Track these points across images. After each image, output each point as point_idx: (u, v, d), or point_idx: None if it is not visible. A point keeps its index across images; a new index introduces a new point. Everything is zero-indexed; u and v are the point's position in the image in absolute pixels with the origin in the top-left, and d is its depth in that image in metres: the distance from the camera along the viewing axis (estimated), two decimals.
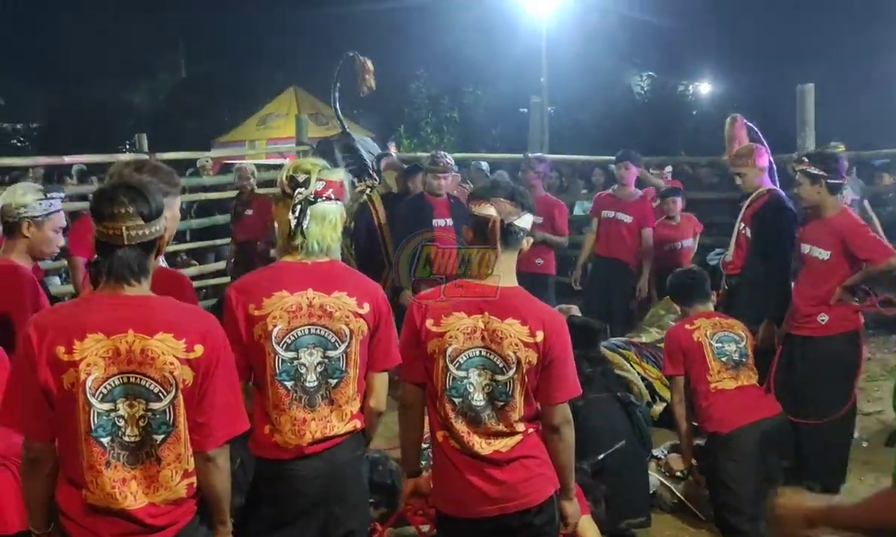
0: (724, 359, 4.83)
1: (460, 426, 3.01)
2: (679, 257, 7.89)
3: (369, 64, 8.62)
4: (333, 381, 2.98)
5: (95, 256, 2.58)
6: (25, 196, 3.81)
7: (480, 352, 3.00)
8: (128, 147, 21.89)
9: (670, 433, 5.50)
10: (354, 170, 8.06)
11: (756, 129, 6.10)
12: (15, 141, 25.88)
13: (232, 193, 9.70)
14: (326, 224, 3.00)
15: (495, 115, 22.95)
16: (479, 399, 3.00)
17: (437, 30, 23.68)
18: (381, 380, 3.11)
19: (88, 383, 2.43)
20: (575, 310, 6.03)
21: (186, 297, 3.03)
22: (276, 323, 2.90)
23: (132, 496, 2.49)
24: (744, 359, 4.89)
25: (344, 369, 2.99)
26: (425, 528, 3.68)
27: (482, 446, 3.00)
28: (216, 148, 18.45)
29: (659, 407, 6.06)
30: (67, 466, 2.51)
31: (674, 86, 23.33)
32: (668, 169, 10.75)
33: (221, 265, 10.00)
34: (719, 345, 4.87)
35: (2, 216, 3.79)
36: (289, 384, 2.93)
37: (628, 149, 8.17)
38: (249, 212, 8.92)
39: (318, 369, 2.96)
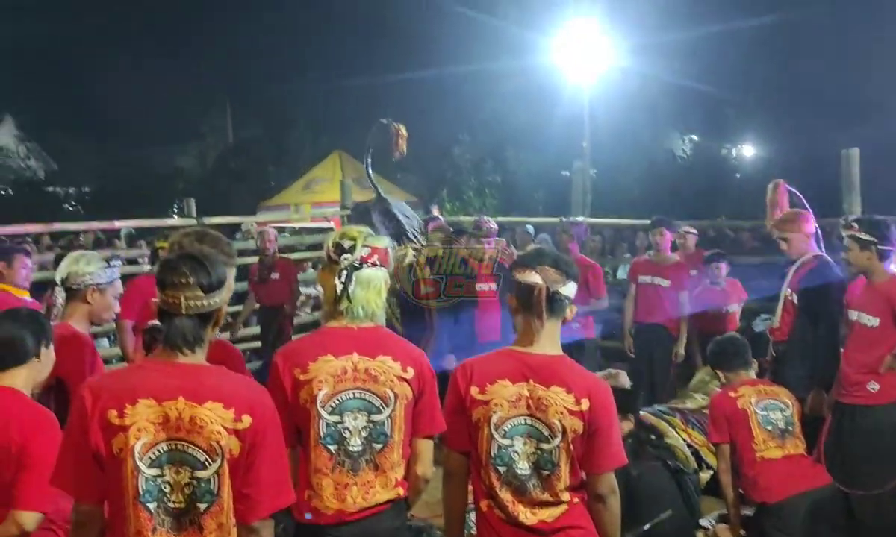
0: (769, 428, 4.76)
1: (505, 495, 2.98)
2: (724, 322, 7.81)
3: (403, 130, 8.77)
4: (378, 446, 2.98)
5: (150, 322, 2.64)
6: (90, 264, 3.91)
7: (525, 420, 2.99)
8: (176, 211, 22.33)
9: (718, 502, 5.39)
10: (393, 233, 8.12)
11: (799, 194, 6.06)
12: (67, 205, 26.49)
13: (252, 259, 9.69)
14: (371, 289, 3.05)
15: (538, 178, 23.07)
16: (524, 468, 2.98)
17: (480, 95, 23.96)
18: (426, 446, 3.11)
19: (137, 448, 2.46)
20: (623, 376, 5.97)
21: (237, 367, 3.07)
22: (322, 386, 2.93)
23: None
24: (790, 428, 4.82)
25: (389, 434, 2.99)
26: None
27: (527, 516, 2.97)
28: (262, 211, 18.74)
29: (706, 475, 5.96)
30: (115, 531, 2.53)
31: (716, 149, 23.32)
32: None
33: (256, 329, 9.94)
34: (764, 413, 4.80)
35: (66, 283, 3.87)
36: (332, 448, 2.94)
37: (662, 216, 8.19)
38: (276, 275, 8.94)
39: (363, 433, 2.97)
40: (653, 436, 5.17)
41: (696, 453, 6.10)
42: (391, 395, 2.99)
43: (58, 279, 3.95)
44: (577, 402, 2.95)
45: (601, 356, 9.58)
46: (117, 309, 4.10)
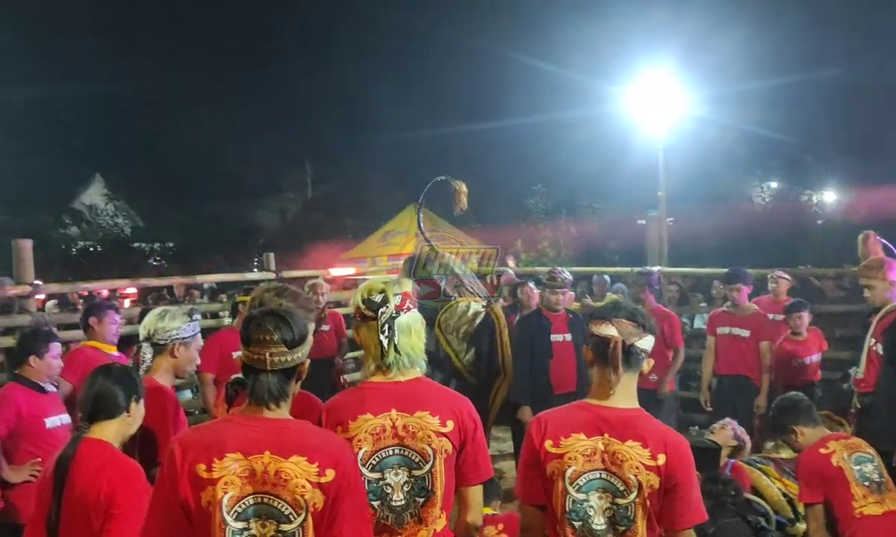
0: (866, 483, 4.59)
1: None
2: (806, 372, 7.65)
3: (463, 186, 9.04)
4: (421, 500, 3.02)
5: (233, 376, 2.71)
6: (175, 320, 4.03)
7: (601, 474, 2.96)
8: (256, 265, 22.80)
9: None
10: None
11: (892, 246, 5.92)
12: (152, 260, 27.28)
13: None
14: (413, 335, 3.10)
15: (612, 228, 22.92)
16: (599, 523, 2.95)
17: (553, 146, 24.08)
18: (474, 494, 3.13)
19: (225, 501, 2.52)
20: (731, 428, 5.81)
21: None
22: (362, 445, 2.98)
23: None
24: (883, 480, 4.65)
25: (430, 489, 3.02)
26: None
27: None
28: (339, 265, 18.99)
29: (802, 526, 5.77)
30: None
31: (796, 195, 22.88)
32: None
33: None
34: (858, 467, 4.63)
35: (152, 339, 4.00)
36: (375, 504, 2.98)
37: (737, 269, 8.08)
38: (326, 327, 8.99)
39: (405, 488, 3.01)
40: (732, 492, 5.02)
41: (791, 502, 5.93)
42: (429, 451, 3.02)
43: (143, 335, 4.07)
44: (654, 457, 2.92)
45: (680, 407, 9.44)
46: (198, 362, 4.21)
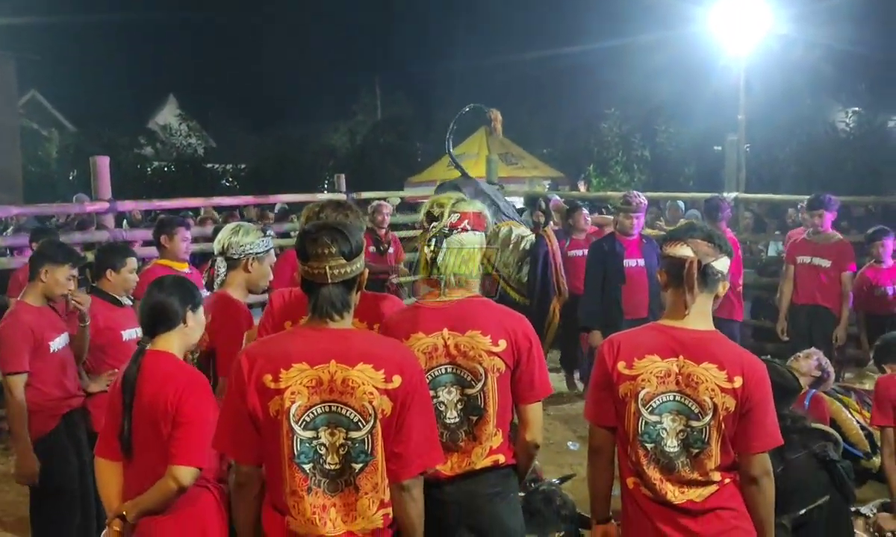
0: None
1: (653, 473, 2.91)
2: (890, 302, 7.39)
3: (497, 114, 9.21)
4: (474, 418, 3.04)
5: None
6: (248, 234, 4.05)
7: (675, 396, 2.89)
8: (326, 186, 22.94)
9: (883, 487, 5.13)
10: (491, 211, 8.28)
11: None
12: (224, 181, 27.63)
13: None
14: (462, 255, 3.07)
15: (688, 153, 22.41)
16: (672, 445, 2.89)
17: (629, 68, 23.46)
18: (533, 412, 3.13)
19: (293, 410, 2.55)
20: (816, 358, 5.65)
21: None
22: None
23: (332, 523, 2.57)
24: None
25: (483, 407, 3.04)
26: None
27: (675, 495, 2.88)
28: (409, 188, 18.99)
29: (878, 460, 5.64)
30: (272, 492, 2.64)
31: (883, 121, 21.99)
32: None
33: None
34: None
35: (225, 253, 4.03)
36: None
37: (820, 195, 7.82)
38: (391, 250, 9.17)
39: (458, 406, 3.05)
40: (798, 425, 4.90)
41: (869, 436, 5.79)
42: (481, 370, 3.02)
43: (217, 249, 4.10)
44: (730, 379, 2.84)
45: (752, 335, 9.28)
46: (271, 277, 4.24)
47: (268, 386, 2.56)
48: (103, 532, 3.22)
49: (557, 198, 10.67)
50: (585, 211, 9.33)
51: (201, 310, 3.45)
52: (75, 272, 4.81)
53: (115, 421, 3.23)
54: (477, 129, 20.21)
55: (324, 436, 2.57)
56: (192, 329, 3.37)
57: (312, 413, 2.56)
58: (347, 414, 2.57)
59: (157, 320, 3.31)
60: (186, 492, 3.09)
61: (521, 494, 4.90)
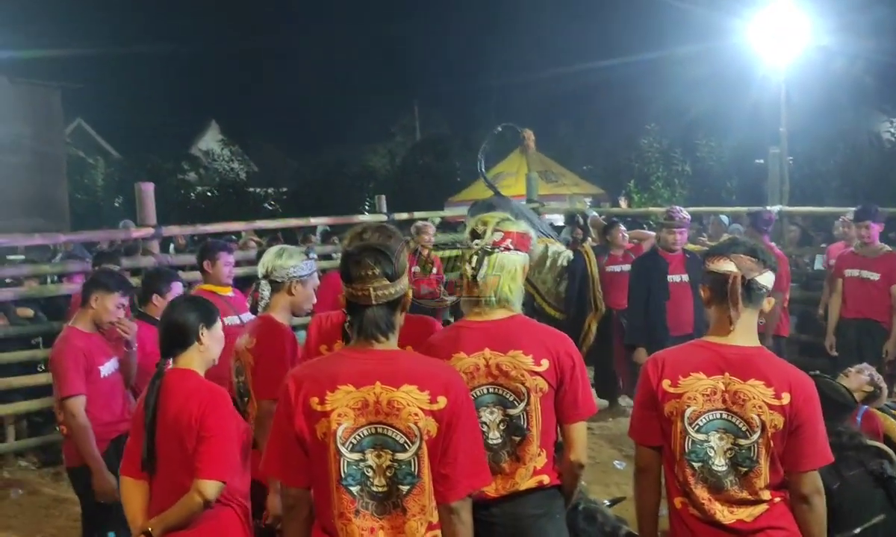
0: None
1: (701, 492, 2.87)
2: None
3: (530, 133, 9.37)
4: (517, 439, 3.02)
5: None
6: (292, 258, 4.10)
7: (721, 414, 2.86)
8: (367, 208, 23.06)
9: None
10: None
11: None
12: (267, 204, 27.90)
13: None
14: (505, 274, 3.06)
15: (730, 167, 22.20)
16: (720, 464, 2.86)
17: (668, 82, 23.37)
18: (577, 432, 3.11)
19: (339, 433, 2.55)
20: (868, 373, 5.54)
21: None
22: None
23: None
24: None
25: (526, 427, 3.01)
26: None
27: (724, 514, 2.85)
28: (449, 207, 19.02)
29: None
30: (321, 515, 2.65)
31: None
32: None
33: None
34: None
35: (270, 276, 4.07)
36: None
37: (867, 206, 7.72)
38: (434, 270, 9.15)
39: (501, 427, 3.03)
40: (854, 442, 4.79)
41: None
42: (524, 390, 3.00)
43: (261, 272, 4.14)
44: (778, 396, 2.80)
45: (799, 352, 9.14)
46: (314, 300, 4.27)
47: (314, 408, 2.57)
48: None
49: (595, 214, 10.69)
50: (623, 227, 9.36)
51: (218, 326, 3.49)
52: (125, 300, 4.88)
53: (138, 440, 3.32)
54: (514, 147, 20.22)
55: (370, 458, 2.57)
56: (207, 347, 3.42)
57: (359, 435, 2.57)
58: (393, 436, 2.56)
59: (172, 341, 3.38)
60: (210, 508, 3.15)
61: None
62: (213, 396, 3.27)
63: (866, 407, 5.37)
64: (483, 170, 9.95)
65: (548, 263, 8.44)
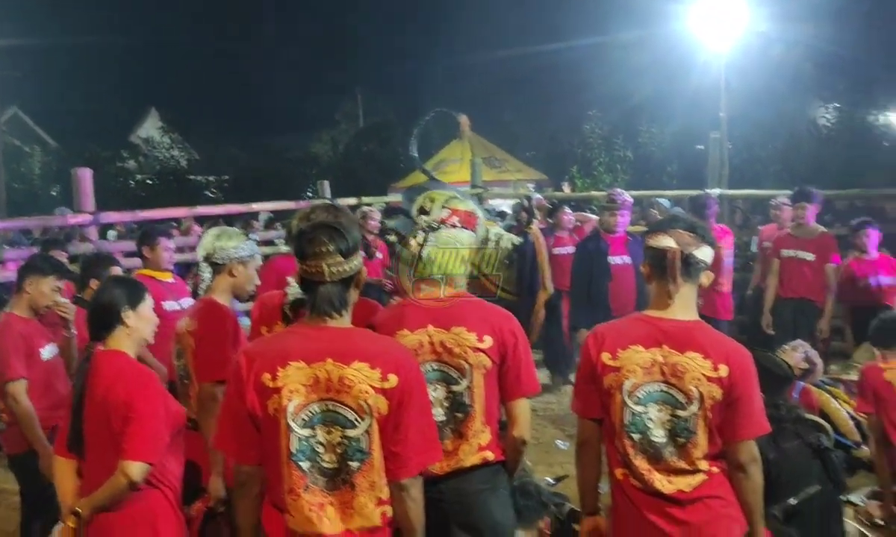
0: None
1: (640, 463, 2.91)
2: (874, 293, 7.42)
3: (465, 119, 9.30)
4: (461, 416, 3.03)
5: (292, 297, 2.73)
6: (232, 239, 4.05)
7: (660, 386, 2.90)
8: (310, 194, 22.89)
9: (872, 477, 5.17)
10: None
11: None
12: (208, 192, 27.53)
13: None
14: (449, 251, 3.07)
15: (670, 152, 22.50)
16: (659, 435, 2.90)
17: (611, 68, 23.54)
18: (520, 408, 3.11)
19: (290, 409, 2.56)
20: (803, 350, 5.66)
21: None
22: None
23: (329, 521, 2.57)
24: None
25: (469, 404, 3.02)
26: None
27: (664, 484, 2.89)
28: (392, 193, 18.98)
29: (867, 450, 5.66)
30: (272, 490, 2.64)
31: (863, 117, 22.13)
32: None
33: None
34: None
35: (210, 258, 4.01)
36: None
37: (804, 188, 7.91)
38: (379, 255, 9.05)
39: (445, 404, 3.03)
40: (791, 415, 4.91)
41: (859, 425, 5.81)
42: (467, 367, 3.01)
43: (201, 255, 4.08)
44: (715, 368, 2.85)
45: (737, 332, 9.31)
46: (258, 281, 4.22)
47: (266, 384, 2.57)
48: (58, 526, 3.31)
49: (540, 196, 10.84)
50: (568, 209, 9.45)
51: (145, 305, 3.45)
52: (61, 284, 4.79)
53: (67, 420, 3.30)
54: (456, 134, 20.22)
55: (321, 434, 2.57)
56: (134, 328, 3.38)
57: (310, 411, 2.56)
58: (344, 413, 2.56)
59: (99, 322, 3.35)
60: (138, 490, 3.13)
61: None
62: (140, 377, 3.25)
63: (803, 383, 5.51)
64: (416, 154, 9.88)
65: (489, 245, 8.39)
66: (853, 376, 6.39)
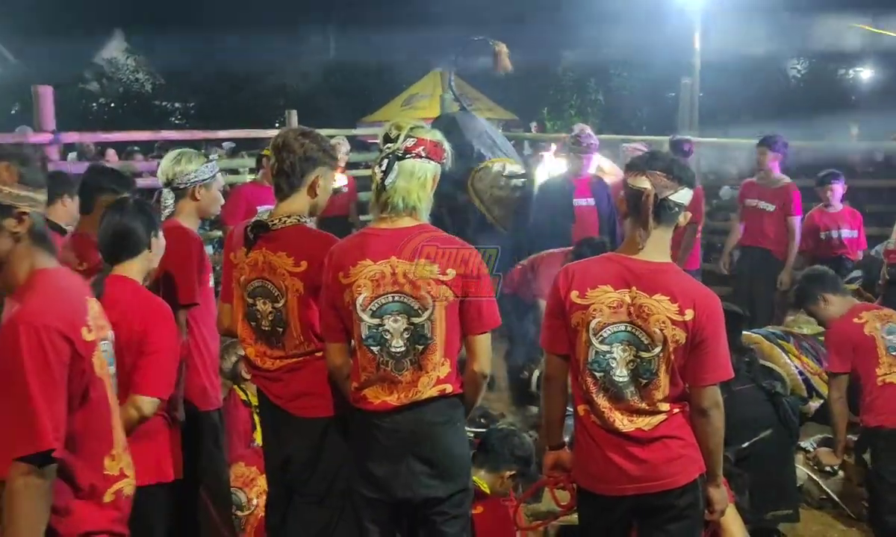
0: (894, 353, 4.59)
1: (601, 401, 2.93)
2: (836, 246, 7.48)
3: (503, 47, 8.85)
4: (420, 347, 3.00)
5: (254, 220, 2.75)
6: (192, 162, 3.92)
7: (626, 327, 2.90)
8: (277, 124, 22.59)
9: (820, 427, 5.26)
10: (487, 145, 8.05)
11: None
12: (173, 118, 27.07)
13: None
14: (414, 181, 3.02)
15: (642, 97, 22.47)
16: (621, 375, 2.91)
17: (585, 11, 23.35)
18: (480, 343, 3.09)
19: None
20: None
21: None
22: (362, 291, 2.98)
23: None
24: None
25: (430, 336, 2.99)
26: (563, 496, 3.55)
27: (623, 423, 2.92)
28: (361, 127, 18.77)
29: (815, 404, 5.73)
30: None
31: (833, 70, 22.25)
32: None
33: None
34: (890, 337, 4.63)
35: (172, 183, 3.91)
36: (375, 349, 2.99)
37: (770, 134, 7.80)
38: (345, 188, 8.90)
39: (405, 335, 3.00)
40: (746, 359, 4.97)
41: (807, 381, 5.88)
42: (429, 299, 2.98)
43: (162, 181, 3.98)
44: (681, 312, 2.85)
45: (700, 278, 9.38)
46: (222, 201, 4.15)
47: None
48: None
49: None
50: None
51: (161, 234, 3.39)
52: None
53: None
54: (436, 66, 20.02)
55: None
56: (154, 254, 3.32)
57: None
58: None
59: (122, 246, 3.24)
60: (144, 423, 3.07)
61: (481, 431, 4.95)
62: (157, 310, 3.16)
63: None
64: (452, 84, 9.58)
65: (501, 182, 8.08)
66: (804, 330, 6.42)
